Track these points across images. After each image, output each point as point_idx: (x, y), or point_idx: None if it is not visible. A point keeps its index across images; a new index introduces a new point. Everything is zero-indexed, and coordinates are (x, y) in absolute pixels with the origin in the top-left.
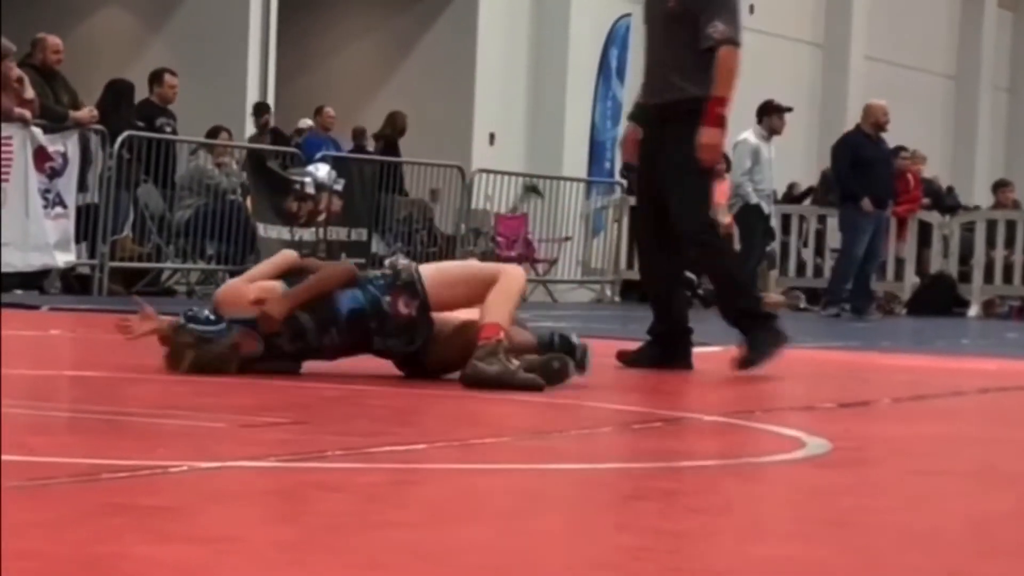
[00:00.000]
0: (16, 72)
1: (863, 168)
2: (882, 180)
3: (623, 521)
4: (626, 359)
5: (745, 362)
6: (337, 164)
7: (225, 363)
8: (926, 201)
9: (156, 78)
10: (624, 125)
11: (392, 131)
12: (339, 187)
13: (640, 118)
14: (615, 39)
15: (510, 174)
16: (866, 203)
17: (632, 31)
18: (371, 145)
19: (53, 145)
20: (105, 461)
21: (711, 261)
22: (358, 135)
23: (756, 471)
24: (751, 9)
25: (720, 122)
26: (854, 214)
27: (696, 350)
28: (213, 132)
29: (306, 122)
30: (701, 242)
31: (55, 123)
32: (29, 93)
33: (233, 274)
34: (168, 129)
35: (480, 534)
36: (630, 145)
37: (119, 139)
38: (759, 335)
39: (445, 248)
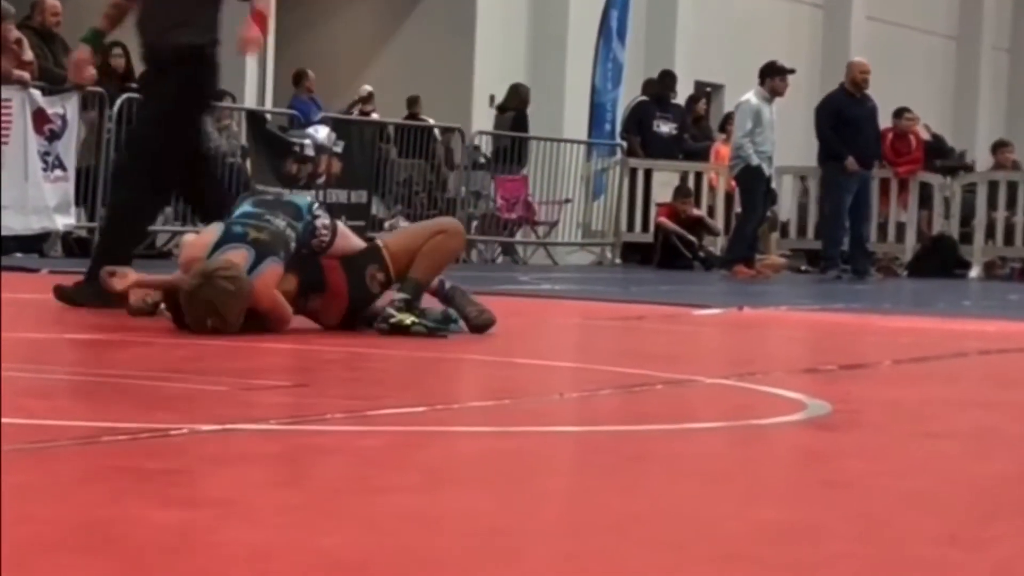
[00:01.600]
0: (15, 34)
1: (847, 127)
2: (866, 139)
3: (624, 484)
4: (63, 295)
5: (63, 294)
6: (337, 126)
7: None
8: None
9: None
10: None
11: (519, 103)
12: (338, 149)
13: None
14: (615, 1)
15: (510, 135)
16: (850, 162)
17: None
18: (487, 117)
19: (52, 107)
20: (106, 424)
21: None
22: (412, 103)
23: (757, 433)
24: None
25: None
26: (836, 173)
27: (697, 312)
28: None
29: (366, 89)
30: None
31: (54, 85)
32: (28, 55)
33: None
34: None
35: (480, 498)
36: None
37: (118, 101)
38: (92, 286)
39: (446, 210)
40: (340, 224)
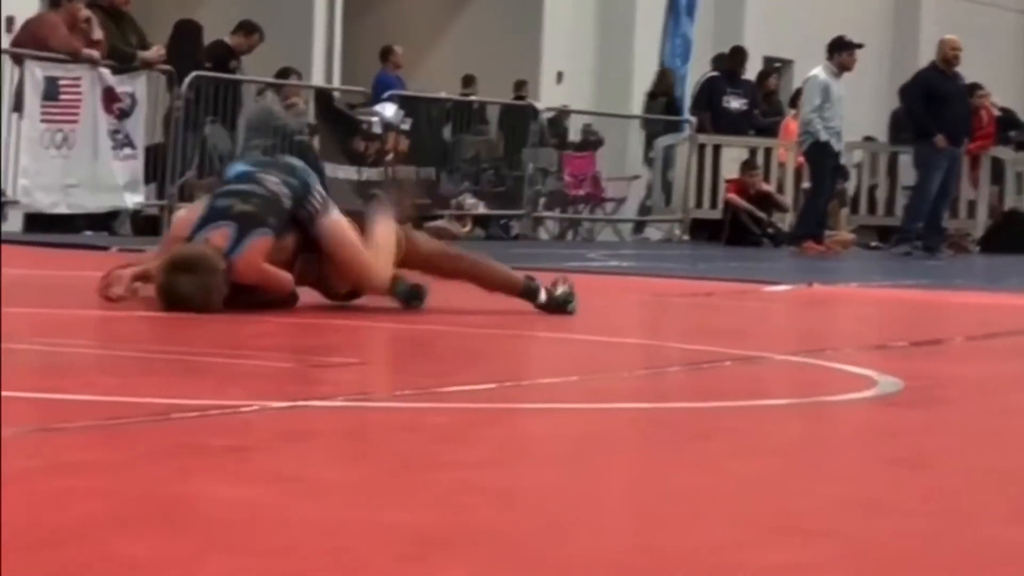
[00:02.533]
0: (84, 13)
1: (937, 104)
2: (957, 116)
3: (691, 460)
4: None
5: None
6: (405, 103)
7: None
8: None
9: (245, 29)
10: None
11: (667, 88)
12: (406, 126)
13: None
14: None
15: (579, 112)
16: (939, 139)
17: None
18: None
19: (121, 86)
20: (176, 401)
21: None
22: (468, 82)
23: (827, 410)
24: None
25: None
26: (928, 151)
27: (766, 288)
28: (283, 73)
29: (465, 74)
30: None
31: (123, 64)
32: (97, 34)
33: None
34: (236, 71)
35: (547, 473)
36: None
37: (186, 80)
38: None
39: (513, 187)
40: (337, 213)
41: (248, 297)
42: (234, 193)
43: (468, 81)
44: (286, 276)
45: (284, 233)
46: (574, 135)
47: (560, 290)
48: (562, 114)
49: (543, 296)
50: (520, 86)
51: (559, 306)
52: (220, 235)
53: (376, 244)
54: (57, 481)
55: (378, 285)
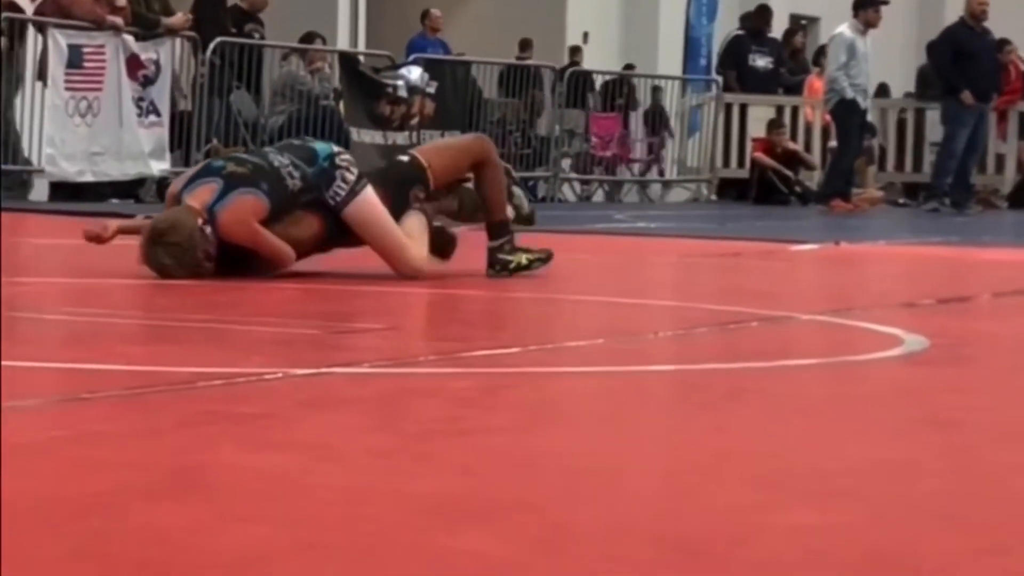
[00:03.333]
0: None
1: (965, 60)
2: (985, 72)
3: (719, 422)
4: None
5: None
6: (430, 66)
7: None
8: None
9: None
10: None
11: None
12: (431, 89)
13: None
14: None
15: (604, 73)
16: (966, 96)
17: None
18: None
19: (146, 53)
20: (201, 369)
21: None
22: (524, 46)
23: (854, 370)
24: None
25: None
26: (956, 107)
27: (793, 247)
28: (307, 38)
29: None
30: None
31: (147, 31)
32: (121, 0)
33: None
34: (256, 36)
35: (573, 438)
36: None
37: (211, 45)
38: None
39: (540, 149)
40: (370, 194)
41: (246, 265)
42: (233, 158)
43: (525, 45)
44: (286, 248)
45: (292, 208)
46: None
47: (527, 257)
48: (592, 76)
49: (513, 262)
50: (575, 51)
51: (523, 269)
52: (206, 190)
53: (410, 230)
54: (83, 451)
55: (416, 267)
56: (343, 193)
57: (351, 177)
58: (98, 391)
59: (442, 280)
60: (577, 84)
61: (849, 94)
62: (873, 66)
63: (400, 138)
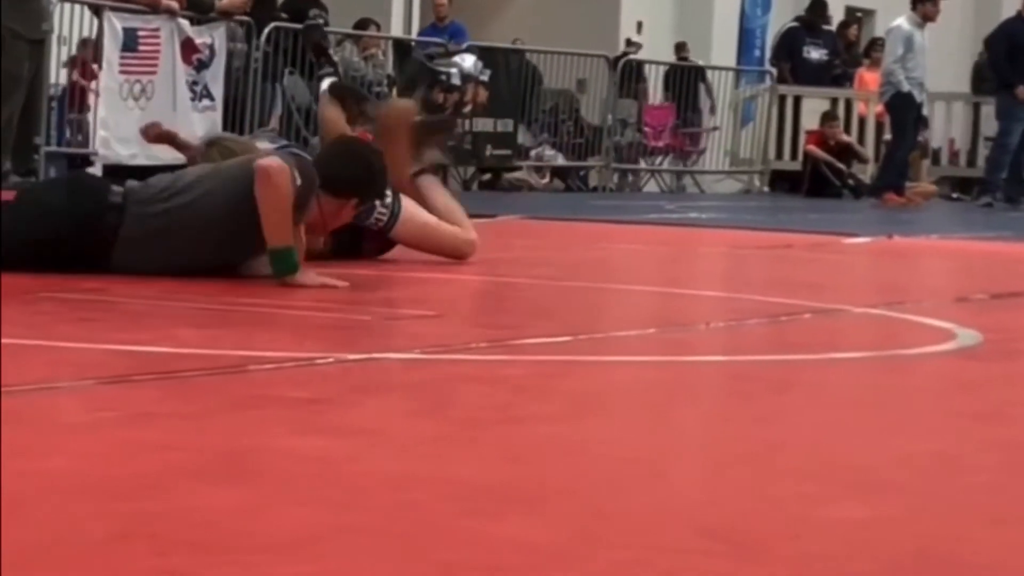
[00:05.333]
0: None
1: (1020, 55)
2: None
3: (767, 413)
4: None
5: None
6: (484, 54)
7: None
8: None
9: None
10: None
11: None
12: (485, 78)
13: None
14: None
15: (658, 63)
16: (1021, 91)
17: None
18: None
19: (200, 37)
20: (252, 353)
21: None
22: (679, 48)
23: (905, 363)
24: None
25: None
26: (1010, 102)
27: (846, 240)
28: (361, 24)
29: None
30: None
31: (201, 14)
32: None
33: None
34: (321, 21)
35: (621, 427)
36: None
37: (265, 30)
38: None
39: (592, 138)
40: (408, 210)
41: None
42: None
43: (680, 47)
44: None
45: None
46: (653, 86)
47: None
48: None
49: None
50: (681, 47)
51: None
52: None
53: (444, 211)
54: (132, 432)
55: (472, 247)
56: (384, 218)
57: (388, 198)
58: (149, 373)
59: (492, 268)
60: (630, 74)
61: (905, 87)
62: (930, 59)
63: None
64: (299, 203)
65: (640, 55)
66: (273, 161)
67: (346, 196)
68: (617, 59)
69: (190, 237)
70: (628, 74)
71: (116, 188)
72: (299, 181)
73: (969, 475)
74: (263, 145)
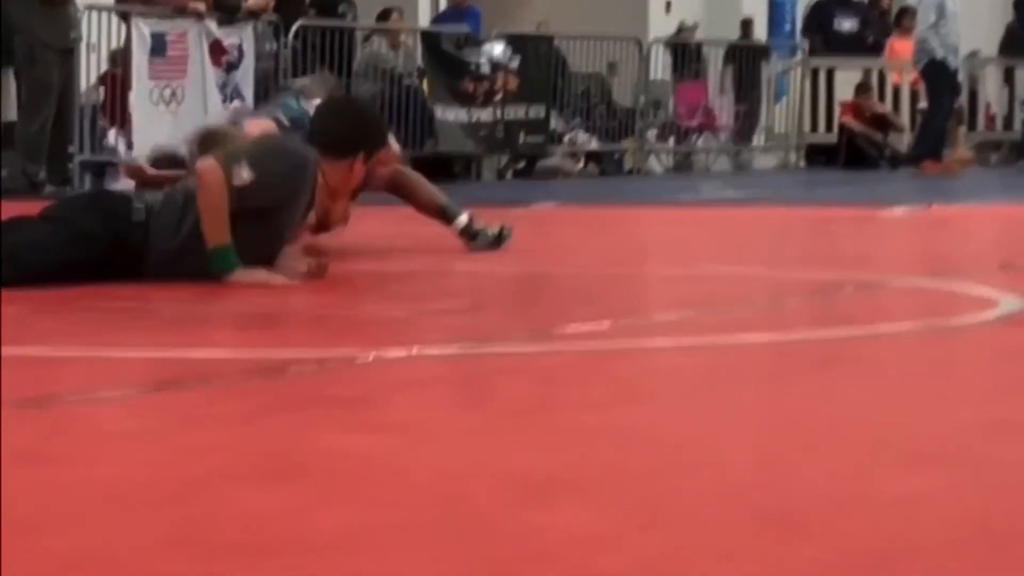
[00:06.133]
0: None
1: None
2: None
3: (815, 390)
4: None
5: None
6: (512, 41)
7: None
8: None
9: None
10: None
11: None
12: (514, 65)
13: None
14: None
15: (689, 44)
16: None
17: None
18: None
19: (228, 38)
20: (293, 354)
21: None
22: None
23: (949, 334)
24: None
25: None
26: None
27: (885, 211)
28: (384, 14)
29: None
30: None
31: (228, 15)
32: None
33: (414, 161)
34: (350, 16)
35: (668, 411)
36: None
37: (293, 28)
38: None
39: (625, 121)
40: None
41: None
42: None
43: (746, 24)
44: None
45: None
46: (690, 64)
47: (486, 228)
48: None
49: (463, 219)
50: (746, 25)
51: (473, 237)
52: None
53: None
54: (179, 437)
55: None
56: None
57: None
58: (193, 377)
59: (523, 258)
60: (686, 57)
61: (940, 54)
62: (961, 25)
63: (484, 115)
64: (297, 189)
65: (665, 35)
66: (205, 163)
67: (352, 154)
68: (666, 42)
69: None
70: (685, 57)
71: (138, 205)
72: (246, 178)
73: (1021, 443)
74: (272, 114)
